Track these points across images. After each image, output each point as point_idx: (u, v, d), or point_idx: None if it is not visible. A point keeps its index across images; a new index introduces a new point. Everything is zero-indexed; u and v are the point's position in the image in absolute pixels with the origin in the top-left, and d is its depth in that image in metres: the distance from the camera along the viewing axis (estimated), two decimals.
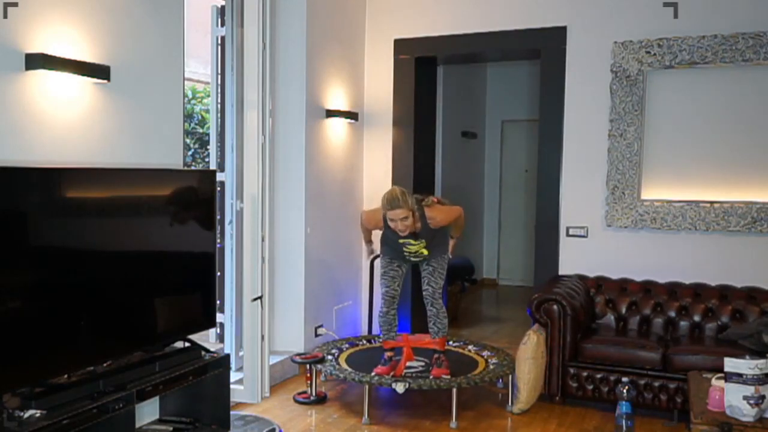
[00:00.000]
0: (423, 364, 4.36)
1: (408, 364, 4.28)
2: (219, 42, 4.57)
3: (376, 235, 4.40)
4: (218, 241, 4.19)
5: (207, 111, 6.79)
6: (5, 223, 2.52)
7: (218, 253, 4.26)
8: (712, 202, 4.60)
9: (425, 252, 4.16)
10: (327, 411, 4.20)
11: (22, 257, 2.60)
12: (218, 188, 4.29)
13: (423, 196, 4.18)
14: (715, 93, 4.62)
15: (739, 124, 4.57)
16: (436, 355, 4.24)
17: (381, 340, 4.42)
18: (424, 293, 4.23)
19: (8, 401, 2.53)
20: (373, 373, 4.09)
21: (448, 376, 4.06)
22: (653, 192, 4.79)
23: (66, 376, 2.78)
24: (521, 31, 5.13)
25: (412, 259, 4.23)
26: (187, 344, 3.43)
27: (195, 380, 3.29)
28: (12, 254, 2.55)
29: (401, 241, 4.11)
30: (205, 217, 3.53)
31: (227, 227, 4.53)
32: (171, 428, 3.43)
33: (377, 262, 4.54)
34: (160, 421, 3.53)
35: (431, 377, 4.08)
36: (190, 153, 6.90)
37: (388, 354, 4.28)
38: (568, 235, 5.02)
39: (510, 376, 4.25)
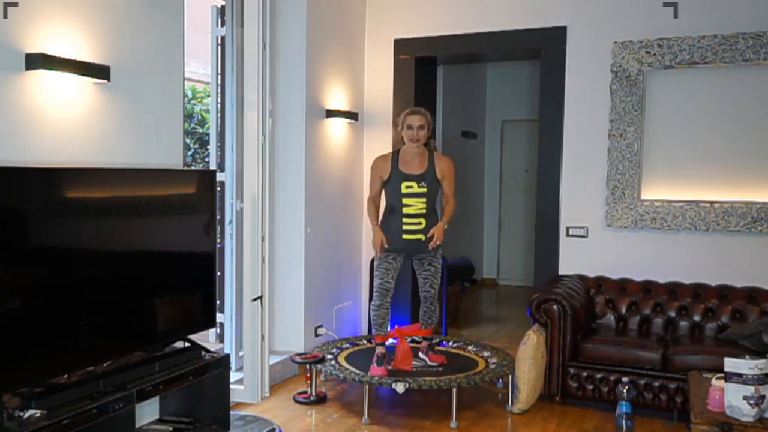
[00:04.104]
0: (423, 363, 4.37)
1: None
2: (219, 42, 4.57)
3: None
4: (218, 241, 4.19)
5: (207, 111, 6.79)
6: (5, 223, 2.52)
7: (218, 253, 4.26)
8: (712, 202, 4.60)
9: (423, 232, 4.19)
10: (327, 411, 4.20)
11: (22, 257, 2.60)
12: (218, 188, 4.29)
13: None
14: (715, 93, 4.62)
15: (739, 124, 4.57)
16: (427, 342, 4.43)
17: (373, 335, 4.42)
18: (425, 293, 4.35)
19: (8, 401, 2.53)
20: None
21: (445, 362, 4.34)
22: (653, 192, 4.79)
23: (66, 376, 2.78)
24: (521, 31, 5.13)
25: (408, 236, 4.20)
26: (187, 344, 3.43)
27: (195, 380, 3.29)
28: (12, 254, 2.54)
29: (405, 189, 4.19)
30: (205, 217, 3.54)
31: (227, 227, 4.53)
32: (171, 428, 3.43)
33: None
34: (160, 421, 3.53)
35: (431, 363, 4.34)
36: (190, 153, 6.90)
37: (380, 350, 4.25)
38: (568, 235, 5.02)
39: (510, 376, 4.25)
